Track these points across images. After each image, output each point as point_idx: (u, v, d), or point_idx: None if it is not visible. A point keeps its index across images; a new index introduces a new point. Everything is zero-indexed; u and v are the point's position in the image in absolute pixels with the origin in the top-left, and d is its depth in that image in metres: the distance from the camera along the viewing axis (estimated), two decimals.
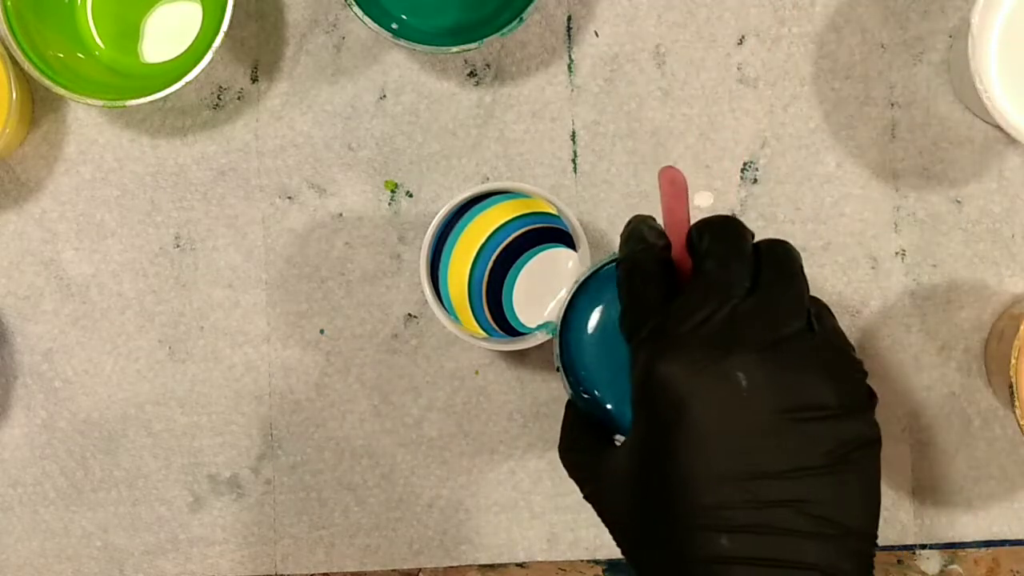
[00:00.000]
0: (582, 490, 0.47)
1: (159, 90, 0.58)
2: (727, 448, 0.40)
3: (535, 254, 0.59)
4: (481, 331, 0.58)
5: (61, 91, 0.59)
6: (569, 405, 0.51)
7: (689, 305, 0.42)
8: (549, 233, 0.59)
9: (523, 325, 0.59)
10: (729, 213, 0.63)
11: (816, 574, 0.40)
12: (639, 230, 0.46)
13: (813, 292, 0.63)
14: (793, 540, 0.40)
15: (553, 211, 0.58)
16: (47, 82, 0.59)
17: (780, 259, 0.44)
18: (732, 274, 0.42)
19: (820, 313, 0.44)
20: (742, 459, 0.40)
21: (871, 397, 0.43)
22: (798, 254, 0.45)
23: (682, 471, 0.41)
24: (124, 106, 0.58)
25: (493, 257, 0.59)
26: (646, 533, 0.42)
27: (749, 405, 0.41)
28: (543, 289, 0.59)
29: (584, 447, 0.48)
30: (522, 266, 0.59)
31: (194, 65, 0.58)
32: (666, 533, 0.41)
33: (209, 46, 0.58)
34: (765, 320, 0.42)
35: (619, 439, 0.48)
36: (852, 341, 0.62)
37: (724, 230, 0.44)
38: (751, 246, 0.44)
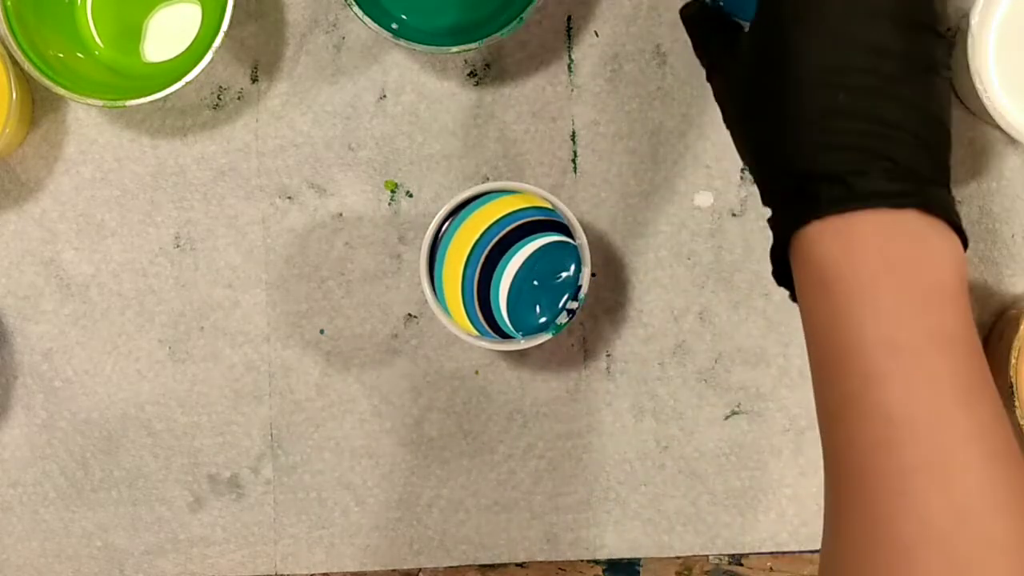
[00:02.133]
0: (709, 79, 0.50)
1: (159, 90, 0.58)
2: (854, 13, 0.43)
3: (523, 246, 0.58)
4: (474, 329, 0.58)
5: (61, 91, 0.59)
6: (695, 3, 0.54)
7: None
8: (542, 224, 0.58)
9: (506, 321, 0.58)
10: (730, 213, 0.63)
11: (906, 134, 0.42)
12: None
13: None
14: (895, 104, 0.43)
15: (547, 205, 0.58)
16: (47, 82, 0.59)
17: None
18: None
19: None
20: (868, 30, 0.43)
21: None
22: None
23: (808, 31, 0.43)
24: (124, 106, 0.58)
25: (484, 254, 0.59)
26: (765, 95, 0.45)
27: None
28: (532, 286, 0.59)
29: (713, 30, 0.51)
30: (509, 260, 0.58)
31: (194, 65, 0.58)
32: (787, 89, 0.44)
33: (209, 46, 0.58)
34: None
35: (746, 25, 0.49)
36: None
37: None
38: None
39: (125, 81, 0.62)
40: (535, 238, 0.58)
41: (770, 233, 0.63)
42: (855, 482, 0.40)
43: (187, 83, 0.58)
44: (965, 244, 0.43)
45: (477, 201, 0.58)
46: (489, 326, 0.58)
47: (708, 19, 0.52)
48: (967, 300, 0.42)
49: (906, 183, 0.42)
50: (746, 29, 0.48)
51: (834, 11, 0.43)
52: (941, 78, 0.44)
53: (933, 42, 0.44)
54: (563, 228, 0.58)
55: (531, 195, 0.58)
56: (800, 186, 0.43)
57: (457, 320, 0.58)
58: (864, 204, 0.42)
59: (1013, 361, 0.56)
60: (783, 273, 0.45)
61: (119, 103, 0.58)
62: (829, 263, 0.42)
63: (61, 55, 0.61)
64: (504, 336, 0.58)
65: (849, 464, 0.40)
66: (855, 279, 0.41)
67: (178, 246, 0.64)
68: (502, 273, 0.58)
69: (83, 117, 0.64)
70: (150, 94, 0.58)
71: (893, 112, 0.43)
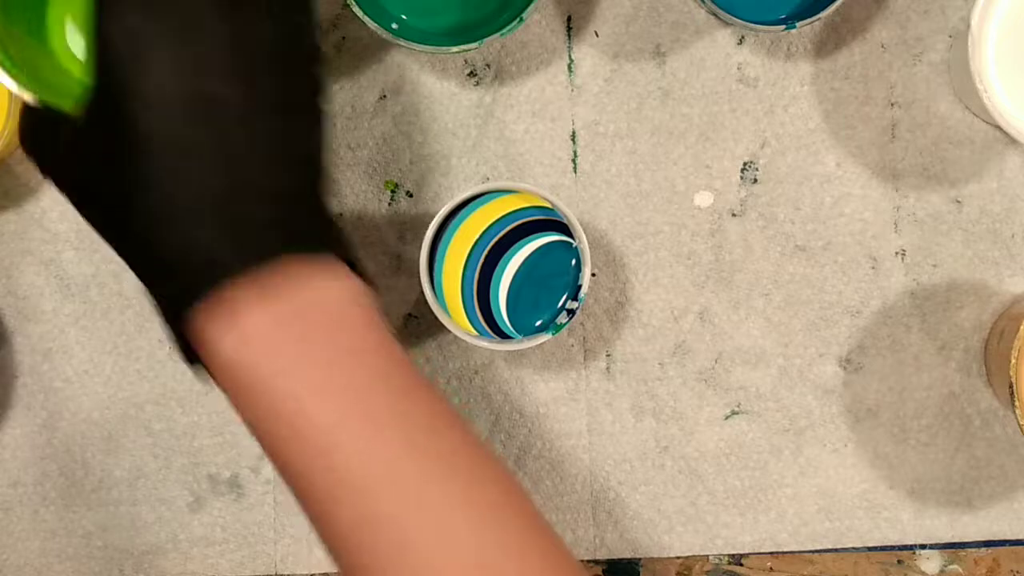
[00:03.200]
0: (40, 165, 0.46)
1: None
2: (183, 69, 0.41)
3: (523, 246, 0.58)
4: (473, 329, 0.58)
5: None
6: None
7: None
8: (541, 224, 0.58)
9: (506, 321, 0.59)
10: (730, 213, 0.63)
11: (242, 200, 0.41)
12: None
13: (813, 292, 0.63)
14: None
15: (547, 204, 0.58)
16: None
17: None
18: None
19: None
20: (198, 79, 0.41)
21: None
22: None
23: (140, 88, 0.41)
24: None
25: (484, 254, 0.59)
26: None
27: (206, 34, 0.41)
28: (532, 286, 0.59)
29: (41, 123, 0.46)
30: (508, 260, 0.59)
31: None
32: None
33: None
34: None
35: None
36: (852, 341, 0.63)
37: None
38: None
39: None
40: (535, 238, 0.58)
41: (771, 233, 0.63)
42: (354, 559, 0.41)
43: None
44: (349, 261, 0.44)
45: (477, 201, 0.58)
46: (488, 326, 0.58)
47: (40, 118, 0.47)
48: (362, 314, 0.43)
49: (270, 234, 0.41)
50: None
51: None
52: (310, 104, 0.43)
53: (291, 80, 0.43)
54: (563, 228, 0.58)
55: (531, 195, 0.58)
56: (177, 263, 0.42)
57: (456, 320, 0.58)
58: (234, 274, 0.40)
59: (1013, 361, 0.56)
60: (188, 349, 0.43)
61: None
62: (229, 363, 0.41)
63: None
64: (503, 336, 0.58)
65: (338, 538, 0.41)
66: (255, 373, 0.41)
67: None
68: (502, 273, 0.58)
69: None
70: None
71: (243, 165, 0.41)
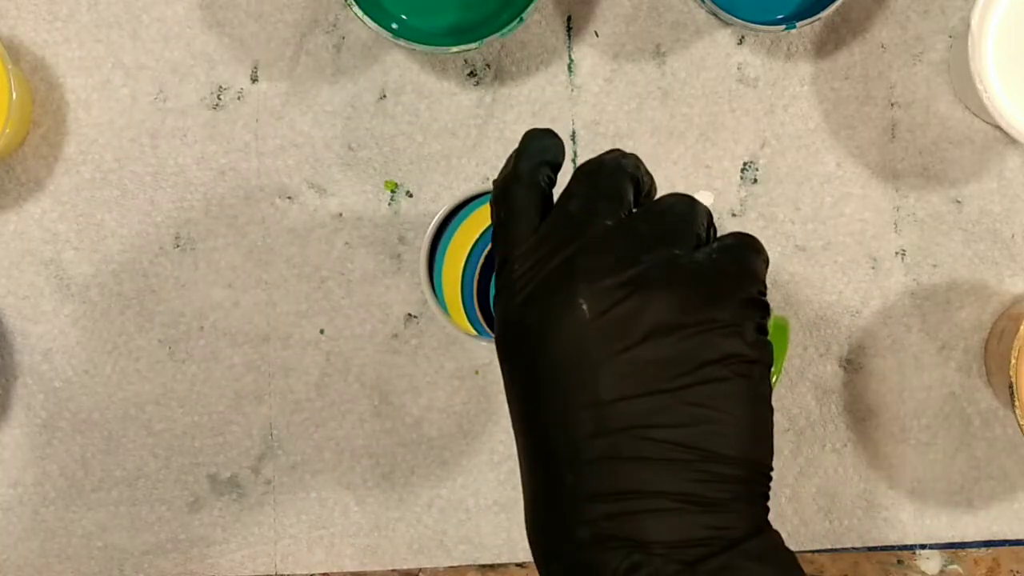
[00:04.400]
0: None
1: None
2: (573, 381, 0.39)
3: None
4: (473, 329, 0.58)
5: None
6: None
7: (544, 235, 0.41)
8: None
9: None
10: (730, 213, 0.63)
11: (664, 500, 0.38)
12: (532, 149, 0.44)
13: (813, 292, 0.63)
14: (637, 467, 0.38)
15: None
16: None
17: (660, 208, 0.42)
18: (590, 209, 0.41)
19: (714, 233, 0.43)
20: (585, 389, 0.39)
21: (757, 310, 0.40)
22: (686, 204, 0.42)
23: (530, 408, 0.40)
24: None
25: (484, 253, 0.59)
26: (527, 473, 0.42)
27: (590, 334, 0.39)
28: None
29: None
30: None
31: None
32: (532, 472, 0.41)
33: None
34: (627, 245, 0.40)
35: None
36: (852, 341, 0.63)
37: (590, 164, 0.43)
38: (624, 187, 0.42)
39: None
40: None
41: (770, 233, 0.63)
42: None
43: None
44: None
45: (477, 201, 0.58)
46: (488, 326, 0.58)
47: None
48: None
49: (695, 551, 0.38)
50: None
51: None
52: (737, 378, 0.39)
53: (715, 341, 0.39)
54: None
55: None
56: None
57: (456, 320, 0.58)
58: None
59: (1013, 361, 0.56)
60: None
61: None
62: None
63: None
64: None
65: None
66: None
67: (178, 246, 0.64)
68: None
69: (83, 117, 0.64)
70: None
71: (668, 477, 0.38)
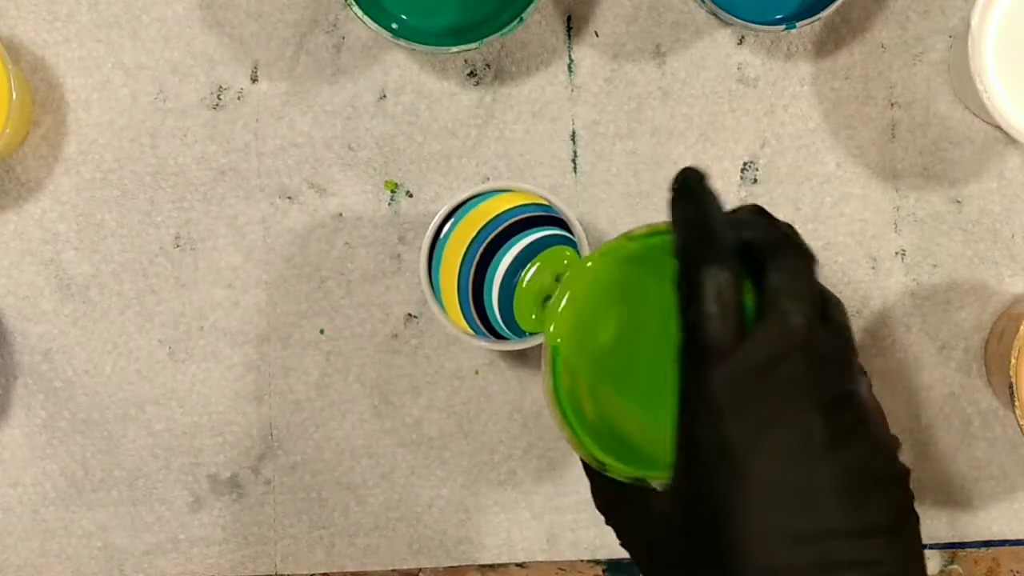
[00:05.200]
0: (619, 537, 0.43)
1: None
2: (793, 505, 0.36)
3: (516, 242, 0.58)
4: (470, 329, 0.58)
5: None
6: None
7: (762, 348, 0.36)
8: (539, 220, 0.58)
9: (498, 318, 0.58)
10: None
11: None
12: (702, 204, 0.38)
13: None
14: None
15: (544, 201, 0.58)
16: None
17: (834, 305, 0.39)
18: (807, 318, 0.37)
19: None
20: (809, 517, 0.36)
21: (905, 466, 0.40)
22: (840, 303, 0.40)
23: (740, 526, 0.36)
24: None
25: (479, 252, 0.59)
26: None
27: (816, 462, 0.36)
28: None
29: (616, 490, 0.42)
30: (502, 257, 0.58)
31: None
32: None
33: None
34: (839, 368, 0.38)
35: (658, 484, 0.41)
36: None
37: (798, 259, 0.38)
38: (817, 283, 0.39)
39: None
40: (528, 233, 0.58)
41: None
42: None
43: None
44: None
45: (474, 200, 0.58)
46: (483, 324, 0.58)
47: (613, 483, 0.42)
48: None
49: None
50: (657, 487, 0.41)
51: (773, 502, 0.36)
52: (911, 527, 0.38)
53: (897, 495, 0.38)
54: (558, 222, 0.58)
55: (530, 194, 0.58)
56: None
57: (453, 319, 0.58)
58: None
59: (1013, 361, 0.56)
60: None
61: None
62: None
63: None
64: (498, 334, 0.58)
65: None
66: None
67: (178, 246, 0.64)
68: (495, 270, 0.58)
69: (83, 117, 0.64)
70: None
71: None
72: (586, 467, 0.43)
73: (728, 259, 0.37)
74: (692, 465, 0.37)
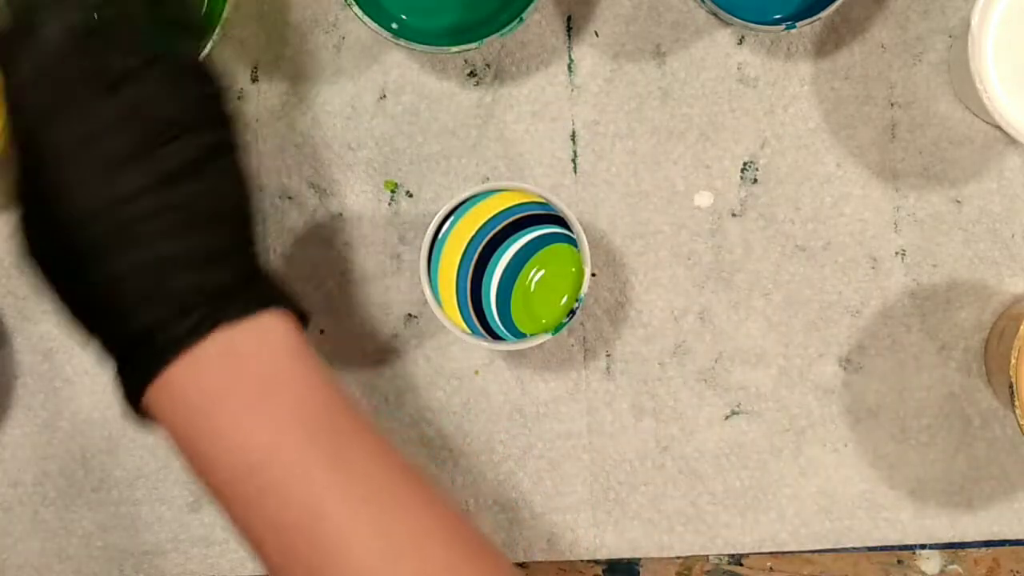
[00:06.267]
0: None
1: None
2: (93, 167, 0.44)
3: (514, 242, 0.58)
4: (467, 328, 0.58)
5: None
6: None
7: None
8: (537, 218, 0.58)
9: (496, 318, 0.58)
10: (730, 213, 0.63)
11: (189, 259, 0.44)
12: None
13: (813, 292, 0.63)
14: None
15: (542, 199, 0.58)
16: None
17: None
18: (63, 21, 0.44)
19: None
20: (108, 176, 0.43)
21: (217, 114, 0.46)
22: None
23: (55, 177, 0.44)
24: None
25: (477, 252, 0.59)
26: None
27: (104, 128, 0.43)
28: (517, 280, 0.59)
29: None
30: (500, 256, 0.58)
31: None
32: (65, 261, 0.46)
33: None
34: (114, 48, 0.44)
35: None
36: (852, 341, 0.63)
37: None
38: None
39: None
40: (526, 232, 0.58)
41: (770, 233, 0.63)
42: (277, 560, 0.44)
43: None
44: (288, 304, 0.46)
45: (474, 199, 0.58)
46: (480, 324, 0.58)
47: None
48: (306, 363, 0.45)
49: (200, 310, 0.44)
50: None
51: (66, 179, 0.44)
52: (221, 162, 0.45)
53: (188, 144, 0.44)
54: (557, 220, 0.58)
55: (530, 193, 0.58)
56: (126, 348, 0.45)
57: (452, 319, 0.58)
58: (174, 354, 0.43)
59: (1013, 361, 0.56)
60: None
61: None
62: (179, 425, 0.45)
63: None
64: (495, 335, 0.58)
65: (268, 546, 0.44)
66: (205, 422, 0.44)
67: None
68: (493, 270, 0.58)
69: None
70: None
71: (165, 247, 0.44)
72: None
73: None
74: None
